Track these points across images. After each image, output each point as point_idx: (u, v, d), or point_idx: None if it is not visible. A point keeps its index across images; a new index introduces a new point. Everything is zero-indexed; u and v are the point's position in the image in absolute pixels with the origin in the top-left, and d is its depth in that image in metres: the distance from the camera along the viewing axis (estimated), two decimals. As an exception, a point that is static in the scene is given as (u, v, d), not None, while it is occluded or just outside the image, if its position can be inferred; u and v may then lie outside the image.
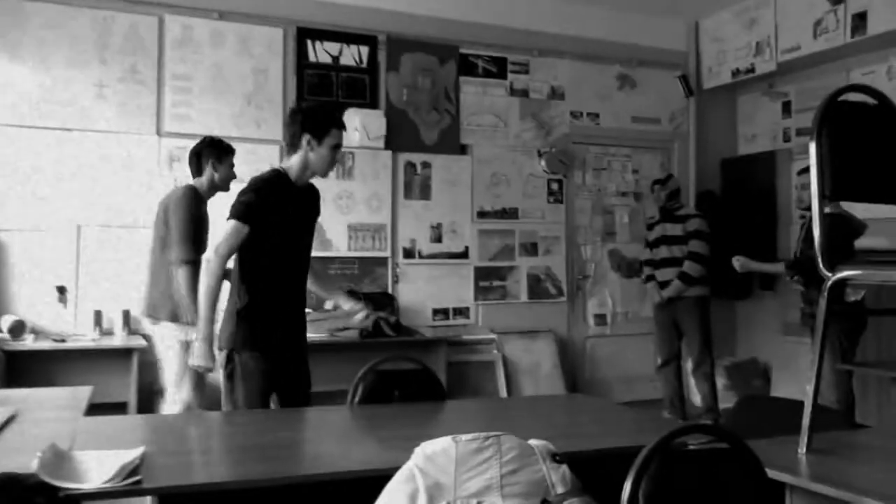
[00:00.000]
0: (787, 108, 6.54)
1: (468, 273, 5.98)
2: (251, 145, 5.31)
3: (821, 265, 1.93)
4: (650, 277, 5.76)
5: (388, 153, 5.70)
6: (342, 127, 3.12)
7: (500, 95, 6.15)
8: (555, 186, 6.30)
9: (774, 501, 1.76)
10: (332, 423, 2.48)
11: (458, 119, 5.98)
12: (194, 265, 3.63)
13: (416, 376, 2.86)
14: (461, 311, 5.95)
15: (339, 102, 5.60)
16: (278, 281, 3.03)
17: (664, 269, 5.62)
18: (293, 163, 3.05)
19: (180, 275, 3.75)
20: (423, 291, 5.83)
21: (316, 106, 3.22)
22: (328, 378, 4.80)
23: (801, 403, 2.03)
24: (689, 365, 5.70)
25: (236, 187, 3.25)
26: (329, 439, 2.25)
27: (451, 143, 5.94)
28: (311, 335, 4.89)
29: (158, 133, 5.14)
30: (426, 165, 5.86)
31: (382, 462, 1.81)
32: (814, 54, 5.77)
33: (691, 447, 1.71)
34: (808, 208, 4.95)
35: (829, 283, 1.92)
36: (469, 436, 1.39)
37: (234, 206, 2.92)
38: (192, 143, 4.16)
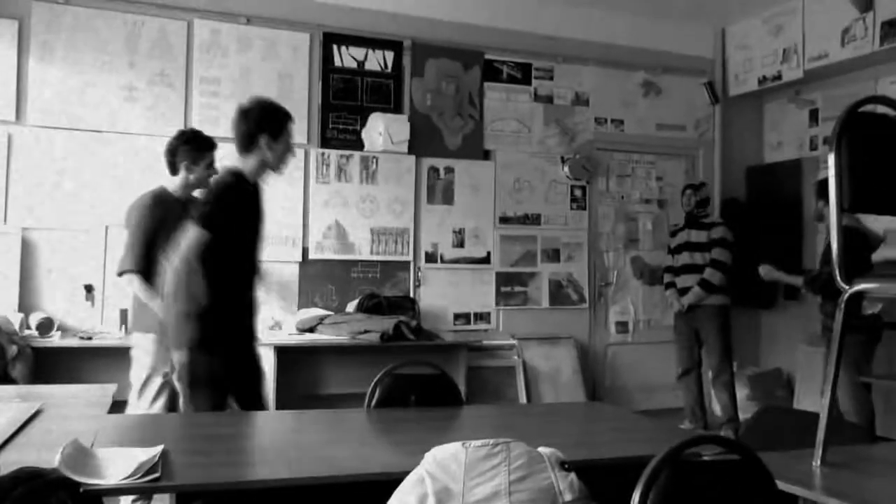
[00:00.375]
0: (814, 116, 6.48)
1: (490, 278, 5.99)
2: (276, 148, 5.37)
3: (838, 278, 1.92)
4: (670, 284, 5.74)
5: (412, 158, 5.73)
6: (294, 120, 3.13)
7: (525, 101, 6.16)
8: (578, 193, 6.30)
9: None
10: (349, 426, 2.51)
11: (482, 124, 6.00)
12: (143, 274, 3.51)
13: (433, 381, 2.88)
14: (482, 316, 5.96)
15: (364, 106, 5.65)
16: (236, 283, 3.03)
17: (685, 276, 5.61)
18: (250, 164, 3.02)
19: (134, 285, 3.57)
20: (444, 296, 5.85)
21: (266, 102, 3.10)
22: (348, 381, 4.89)
23: (816, 415, 2.02)
24: (709, 374, 5.67)
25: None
26: (344, 442, 2.28)
27: (475, 149, 5.96)
28: (332, 337, 4.97)
29: (186, 136, 5.21)
30: (449, 170, 5.88)
31: (395, 466, 1.83)
32: (842, 62, 5.72)
33: (704, 458, 1.71)
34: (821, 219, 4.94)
35: (846, 295, 1.91)
36: (478, 442, 1.41)
37: (198, 214, 2.89)
38: (218, 145, 4.12)
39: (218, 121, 5.29)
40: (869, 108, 2.03)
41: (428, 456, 1.42)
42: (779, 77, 6.26)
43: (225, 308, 2.97)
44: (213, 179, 3.23)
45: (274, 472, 1.90)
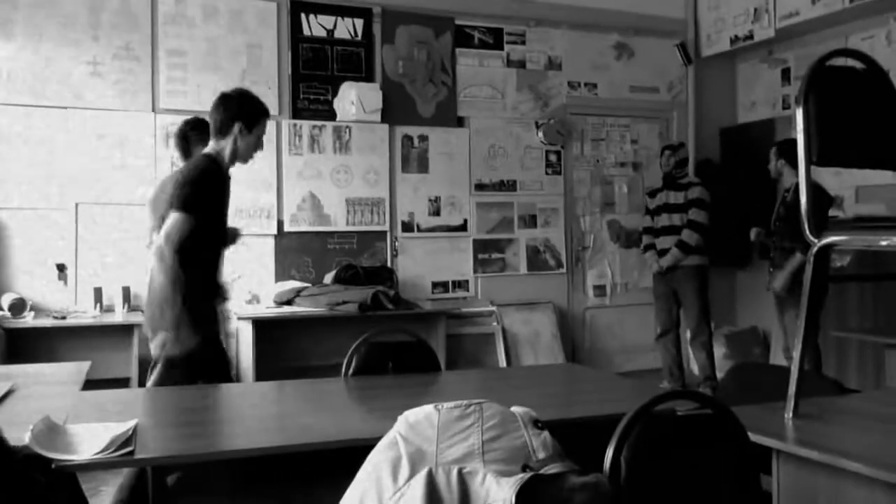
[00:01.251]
0: (786, 76, 6.49)
1: (467, 246, 5.99)
2: (247, 120, 5.30)
3: (807, 231, 1.93)
4: (650, 246, 5.76)
5: (385, 127, 5.68)
6: (270, 117, 3.20)
7: (497, 67, 6.11)
8: (553, 158, 6.28)
9: (760, 467, 1.77)
10: (325, 395, 2.51)
11: (455, 91, 5.96)
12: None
13: (410, 348, 2.88)
14: (460, 284, 5.96)
15: (335, 76, 5.58)
16: (211, 266, 3.08)
17: (664, 238, 5.62)
18: (223, 148, 3.06)
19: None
20: (422, 265, 5.85)
21: (247, 94, 3.16)
22: (326, 352, 4.87)
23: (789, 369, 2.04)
24: (687, 334, 5.72)
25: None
26: (321, 410, 2.28)
27: (448, 116, 5.92)
28: (310, 309, 4.96)
29: (154, 110, 5.13)
30: (423, 139, 5.84)
31: (372, 431, 1.83)
32: (812, 20, 5.72)
33: (678, 413, 1.72)
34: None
35: (816, 248, 1.92)
36: (451, 403, 1.41)
37: (178, 198, 2.90)
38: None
39: (186, 94, 5.21)
40: (837, 61, 2.03)
41: (400, 419, 1.42)
42: (751, 37, 6.25)
43: (203, 290, 3.00)
44: (188, 163, 3.23)
45: (251, 442, 1.90)
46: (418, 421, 1.40)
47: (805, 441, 1.77)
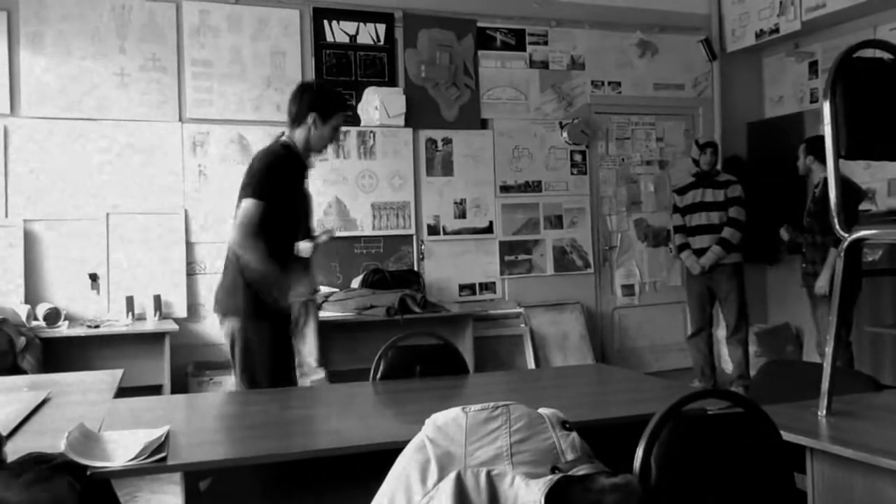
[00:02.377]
0: (813, 69, 6.40)
1: (493, 248, 5.98)
2: (271, 128, 5.34)
3: (836, 225, 1.90)
4: (684, 245, 5.67)
5: (409, 130, 5.70)
6: (347, 110, 3.15)
7: (520, 68, 6.10)
8: (578, 158, 6.26)
9: (793, 465, 1.75)
10: (354, 399, 2.52)
11: (478, 93, 5.96)
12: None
13: (438, 351, 2.88)
14: (488, 286, 5.96)
15: (358, 81, 5.60)
16: (285, 253, 3.05)
17: (700, 237, 5.54)
18: (297, 137, 3.10)
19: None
20: (448, 268, 5.85)
21: (325, 86, 3.24)
22: (356, 357, 4.90)
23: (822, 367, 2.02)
24: (720, 332, 5.66)
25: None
26: (350, 414, 2.29)
27: (472, 118, 5.92)
28: (337, 314, 4.98)
29: (181, 119, 5.19)
30: (447, 141, 5.85)
31: (401, 435, 1.83)
32: (839, 11, 5.64)
33: (709, 412, 1.71)
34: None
35: (846, 243, 1.90)
36: (478, 406, 1.41)
37: (248, 185, 2.96)
38: (213, 129, 4.23)
39: (212, 103, 5.26)
40: (865, 52, 2.00)
41: (428, 422, 1.42)
42: (776, 30, 6.18)
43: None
44: (261, 150, 3.20)
45: (281, 447, 1.91)
46: (446, 423, 1.39)
47: (839, 439, 1.75)
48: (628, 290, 6.45)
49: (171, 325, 4.77)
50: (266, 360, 2.98)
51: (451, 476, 1.31)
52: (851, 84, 1.92)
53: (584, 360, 5.89)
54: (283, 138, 3.14)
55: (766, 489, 1.66)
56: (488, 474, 1.31)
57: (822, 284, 4.67)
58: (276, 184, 2.97)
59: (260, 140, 5.30)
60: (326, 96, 3.15)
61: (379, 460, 1.66)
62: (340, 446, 1.87)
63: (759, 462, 1.65)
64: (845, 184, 4.25)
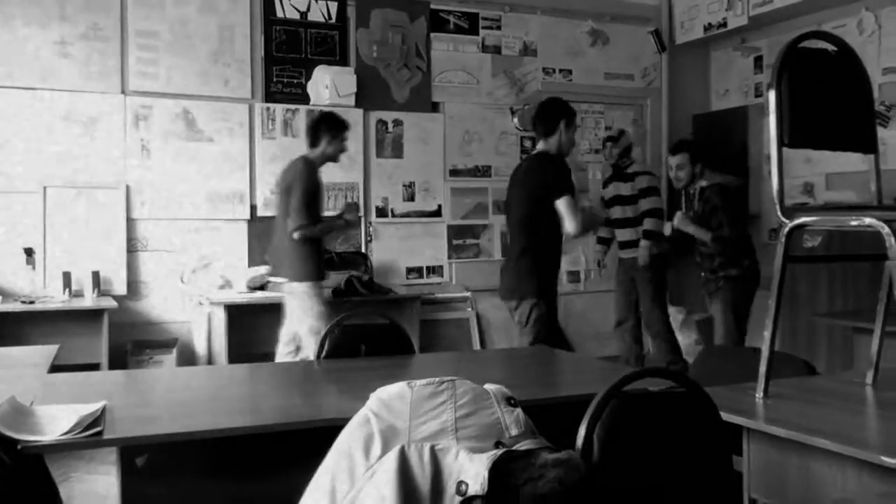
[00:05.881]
0: (759, 63, 6.53)
1: (441, 231, 5.97)
2: (218, 104, 5.26)
3: (778, 212, 1.94)
4: (605, 239, 5.67)
5: (359, 111, 5.64)
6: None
7: (472, 52, 6.09)
8: (528, 144, 6.27)
9: (731, 444, 1.79)
10: (298, 377, 2.49)
11: (430, 76, 5.93)
12: (307, 227, 4.13)
13: (383, 331, 2.87)
14: (435, 270, 5.96)
15: (309, 59, 5.52)
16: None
17: (622, 230, 5.51)
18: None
19: (297, 236, 4.13)
20: (396, 250, 5.82)
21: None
22: (301, 336, 4.83)
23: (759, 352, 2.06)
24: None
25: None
26: (294, 392, 2.26)
27: (423, 101, 5.89)
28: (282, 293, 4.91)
29: (123, 92, 5.05)
30: (398, 123, 5.81)
31: (344, 411, 1.81)
32: (785, 7, 5.75)
33: (651, 391, 1.73)
34: (685, 188, 5.04)
35: (787, 229, 1.94)
36: (424, 381, 1.40)
37: (565, 184, 3.78)
38: (158, 102, 4.58)
39: (157, 75, 5.13)
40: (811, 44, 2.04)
41: (373, 396, 1.41)
42: (724, 24, 6.28)
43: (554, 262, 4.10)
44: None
45: (222, 423, 1.88)
46: (391, 398, 1.39)
47: (775, 419, 1.79)
48: (574, 276, 6.51)
49: (110, 303, 4.65)
50: (553, 330, 3.86)
51: (395, 450, 1.30)
52: (796, 74, 1.96)
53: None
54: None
55: (705, 467, 1.69)
56: (432, 449, 1.30)
57: (680, 219, 4.83)
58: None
59: (207, 116, 5.21)
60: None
61: (323, 437, 1.64)
62: (283, 422, 1.85)
63: (699, 440, 1.68)
64: (739, 189, 4.60)
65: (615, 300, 5.77)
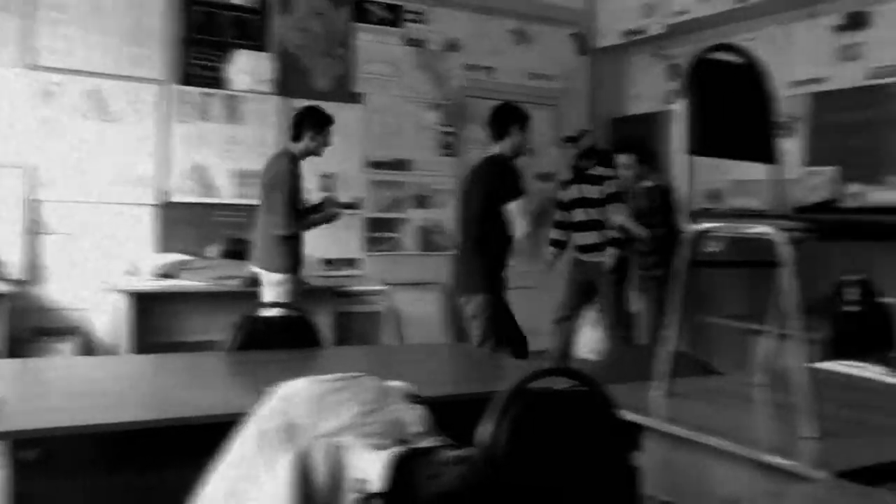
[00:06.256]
0: (674, 71, 6.72)
1: (358, 224, 5.93)
2: (130, 84, 5.08)
3: (685, 217, 2.00)
4: (559, 242, 5.54)
5: (279, 98, 5.54)
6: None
7: (396, 44, 6.06)
8: (448, 139, 6.30)
9: (631, 441, 1.83)
10: (205, 370, 2.43)
11: (352, 66, 5.87)
12: (292, 227, 4.25)
13: (294, 324, 2.83)
14: (351, 262, 5.91)
15: (228, 42, 5.38)
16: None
17: (584, 233, 5.39)
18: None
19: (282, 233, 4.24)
20: (311, 241, 5.69)
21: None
22: (210, 327, 4.72)
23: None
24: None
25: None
26: (198, 384, 2.20)
27: (344, 91, 5.83)
28: (193, 283, 4.81)
29: (30, 66, 4.81)
30: (318, 113, 5.72)
31: (248, 406, 1.78)
32: (701, 18, 5.94)
33: (554, 389, 1.76)
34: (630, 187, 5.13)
35: (691, 234, 2.00)
36: (327, 377, 1.39)
37: (515, 188, 3.93)
38: (66, 79, 4.45)
39: (66, 51, 4.91)
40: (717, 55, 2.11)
41: (274, 392, 1.39)
42: (643, 31, 6.44)
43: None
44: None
45: (122, 416, 1.82)
46: (293, 394, 1.37)
47: (672, 418, 1.85)
48: (491, 272, 6.55)
49: (6, 287, 4.44)
50: (506, 325, 4.05)
51: (296, 446, 1.28)
52: (704, 84, 2.02)
53: (443, 340, 5.96)
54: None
55: (605, 464, 1.73)
56: (333, 445, 1.29)
57: (622, 220, 4.99)
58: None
59: (119, 96, 5.03)
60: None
61: (226, 431, 1.61)
62: (185, 416, 1.80)
63: (599, 438, 1.72)
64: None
65: (564, 297, 5.59)
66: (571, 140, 5.47)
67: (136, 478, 1.88)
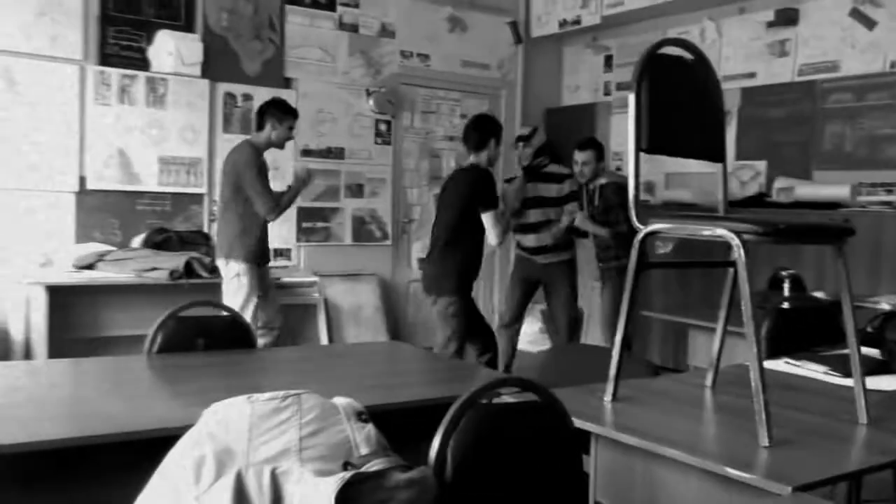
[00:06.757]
0: (608, 63, 6.74)
1: (291, 214, 5.73)
2: (44, 63, 4.78)
3: (633, 217, 1.94)
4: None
5: (205, 82, 5.30)
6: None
7: (328, 29, 5.88)
8: (383, 127, 6.16)
9: (580, 446, 1.77)
10: (127, 375, 2.27)
11: (283, 50, 5.67)
12: (277, 208, 4.33)
13: (224, 323, 2.67)
14: (282, 253, 5.73)
15: (150, 21, 5.12)
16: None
17: (540, 234, 5.08)
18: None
19: (272, 218, 4.35)
20: (241, 231, 5.54)
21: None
22: (133, 322, 4.49)
23: (608, 350, 2.07)
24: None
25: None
26: (120, 394, 2.04)
27: (275, 76, 5.63)
28: (115, 275, 4.57)
29: (-70, 42, 4.48)
30: (248, 97, 5.52)
31: (175, 420, 1.65)
32: (635, 10, 5.95)
33: (506, 402, 1.69)
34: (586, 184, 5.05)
35: (642, 234, 1.94)
36: (266, 395, 1.27)
37: (492, 198, 4.22)
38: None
39: (-28, 27, 4.58)
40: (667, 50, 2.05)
41: (207, 413, 1.26)
42: (578, 22, 6.42)
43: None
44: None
45: (33, 433, 1.65)
46: (227, 415, 1.25)
47: (623, 426, 1.79)
48: (424, 263, 6.46)
49: None
50: (474, 322, 4.31)
51: (230, 475, 1.17)
52: (655, 79, 1.96)
53: (377, 331, 5.85)
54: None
55: (556, 474, 1.67)
56: (272, 472, 1.18)
57: (581, 220, 4.92)
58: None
59: (31, 76, 4.73)
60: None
61: (151, 448, 1.47)
62: (105, 433, 1.65)
63: (551, 449, 1.65)
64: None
65: (511, 301, 5.34)
66: (524, 139, 5.21)
67: (53, 498, 1.73)
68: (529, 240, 5.12)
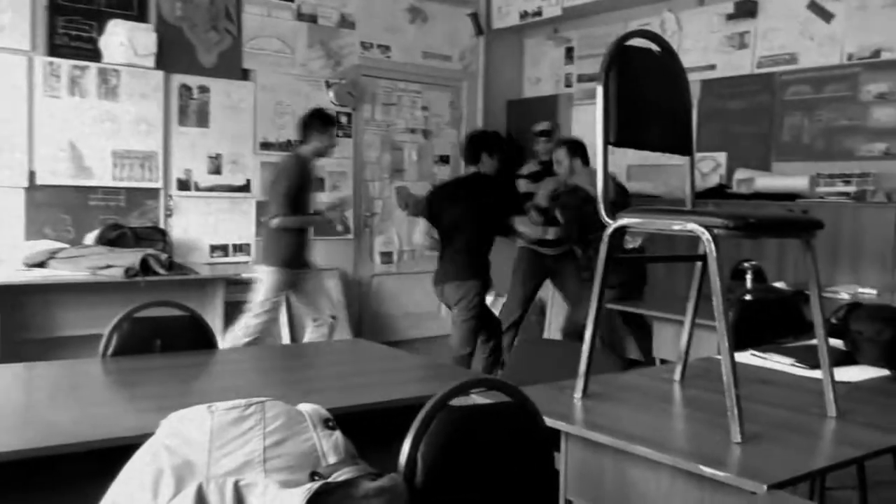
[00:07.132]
0: (570, 54, 6.73)
1: (249, 208, 5.64)
2: (-9, 54, 4.61)
3: (602, 212, 1.91)
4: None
5: (160, 73, 5.16)
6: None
7: (287, 19, 5.77)
8: (343, 120, 6.08)
9: (551, 444, 1.75)
10: (80, 380, 2.18)
11: (241, 41, 5.55)
12: (283, 218, 4.41)
13: (182, 324, 2.59)
14: (242, 248, 5.63)
15: (101, 11, 4.96)
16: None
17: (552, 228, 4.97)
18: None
19: (274, 224, 4.45)
20: (199, 226, 5.43)
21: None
22: (88, 321, 4.37)
23: (576, 345, 2.04)
24: (557, 319, 5.57)
25: None
26: (71, 401, 1.96)
27: (232, 67, 5.51)
28: (67, 273, 4.44)
29: None
30: (204, 90, 5.39)
31: (131, 429, 1.58)
32: (596, 2, 5.95)
33: (477, 403, 1.65)
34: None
35: (611, 229, 1.91)
36: (227, 404, 1.21)
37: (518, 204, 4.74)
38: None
39: (-88, 16, 4.39)
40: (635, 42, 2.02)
41: (164, 424, 1.20)
42: (539, 13, 6.40)
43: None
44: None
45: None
46: (186, 426, 1.18)
47: (593, 423, 1.77)
48: (387, 257, 6.43)
49: None
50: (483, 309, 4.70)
51: (191, 489, 1.11)
52: (623, 72, 1.93)
53: (340, 327, 5.77)
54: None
55: (529, 475, 1.63)
56: (236, 485, 1.12)
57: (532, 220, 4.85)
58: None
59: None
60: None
61: (107, 459, 1.40)
62: (59, 444, 1.57)
63: (524, 450, 1.62)
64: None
65: (518, 297, 5.28)
66: (545, 134, 5.27)
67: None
68: (549, 232, 4.99)
